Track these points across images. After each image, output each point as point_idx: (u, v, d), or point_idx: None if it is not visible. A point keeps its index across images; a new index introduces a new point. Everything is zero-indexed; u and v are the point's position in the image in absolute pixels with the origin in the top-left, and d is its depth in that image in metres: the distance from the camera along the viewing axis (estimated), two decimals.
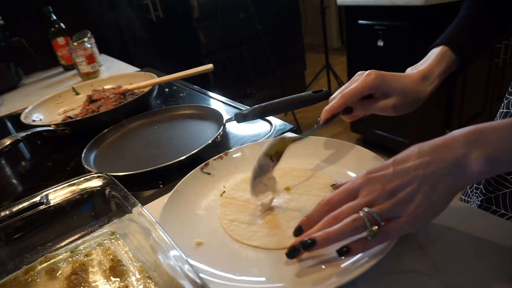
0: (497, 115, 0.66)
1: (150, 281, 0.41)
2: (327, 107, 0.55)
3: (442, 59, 0.56)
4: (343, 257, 0.40)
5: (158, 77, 1.03)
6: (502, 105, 0.65)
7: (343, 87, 0.56)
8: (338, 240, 0.38)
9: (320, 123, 0.55)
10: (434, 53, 0.57)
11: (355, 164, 0.56)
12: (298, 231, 0.42)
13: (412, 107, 0.56)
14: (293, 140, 0.54)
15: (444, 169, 0.36)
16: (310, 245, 0.38)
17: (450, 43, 0.56)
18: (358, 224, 0.37)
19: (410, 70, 0.57)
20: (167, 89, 1.13)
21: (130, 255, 0.46)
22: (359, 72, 0.55)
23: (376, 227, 0.37)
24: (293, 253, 0.40)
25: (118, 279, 0.43)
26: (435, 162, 0.37)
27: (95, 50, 1.42)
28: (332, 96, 0.56)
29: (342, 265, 0.39)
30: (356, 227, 0.37)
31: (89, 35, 1.40)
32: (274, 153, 0.53)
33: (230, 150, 0.64)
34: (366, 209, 0.37)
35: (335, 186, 0.52)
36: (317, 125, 0.56)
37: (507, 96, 0.64)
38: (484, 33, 0.58)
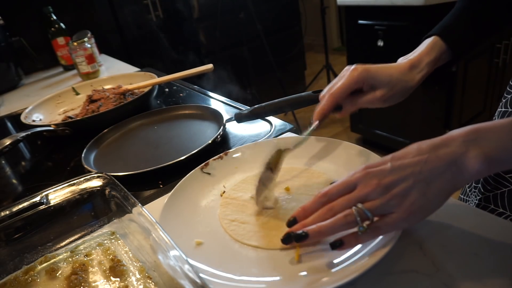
0: (496, 114, 0.66)
1: (150, 281, 0.41)
2: (317, 109, 0.55)
3: (432, 49, 0.56)
4: (339, 252, 0.40)
5: (158, 77, 1.03)
6: (500, 104, 0.65)
7: (331, 84, 0.56)
8: (330, 234, 0.39)
9: (314, 126, 0.55)
10: (425, 43, 0.58)
11: (355, 164, 0.56)
12: (291, 222, 0.42)
13: (402, 96, 0.56)
14: (290, 151, 0.54)
15: (441, 167, 0.37)
16: (303, 237, 0.40)
17: (442, 33, 0.57)
18: (349, 220, 0.38)
19: (401, 60, 0.58)
20: (167, 89, 1.13)
21: (130, 255, 0.46)
22: (346, 67, 0.55)
23: (368, 222, 0.38)
24: (287, 239, 0.42)
25: (118, 279, 0.43)
26: (433, 160, 0.37)
27: (95, 50, 1.42)
28: (321, 94, 0.57)
29: (343, 265, 0.39)
30: (347, 222, 0.38)
31: (89, 35, 1.40)
32: (273, 165, 0.53)
33: (230, 150, 0.64)
34: (359, 205, 0.38)
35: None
36: (310, 128, 0.56)
37: (505, 95, 0.64)
38: (477, 26, 0.58)
